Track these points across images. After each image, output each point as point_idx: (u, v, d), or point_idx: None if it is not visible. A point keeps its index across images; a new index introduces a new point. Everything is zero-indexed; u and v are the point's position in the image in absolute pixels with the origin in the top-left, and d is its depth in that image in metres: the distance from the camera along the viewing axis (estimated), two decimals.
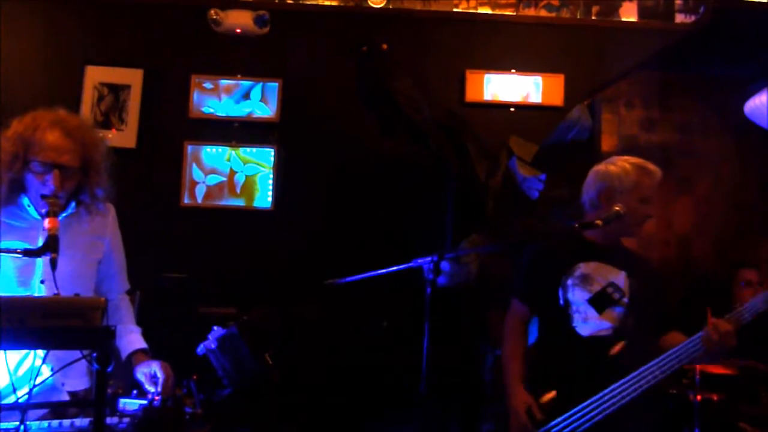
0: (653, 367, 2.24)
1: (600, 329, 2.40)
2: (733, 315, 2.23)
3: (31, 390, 1.71)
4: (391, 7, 4.39)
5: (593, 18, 4.43)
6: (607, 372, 2.30)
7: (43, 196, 1.98)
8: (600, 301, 2.41)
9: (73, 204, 2.12)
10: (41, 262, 2.04)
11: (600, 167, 2.55)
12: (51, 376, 1.96)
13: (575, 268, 2.45)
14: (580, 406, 2.27)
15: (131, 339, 2.26)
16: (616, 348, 2.35)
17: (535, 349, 2.59)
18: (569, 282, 2.44)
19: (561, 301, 2.44)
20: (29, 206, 2.07)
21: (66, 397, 2.09)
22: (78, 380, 2.12)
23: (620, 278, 2.44)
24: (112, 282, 2.31)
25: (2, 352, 1.82)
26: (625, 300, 2.41)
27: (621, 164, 2.50)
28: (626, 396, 2.23)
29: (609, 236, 2.49)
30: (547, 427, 2.31)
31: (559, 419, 2.30)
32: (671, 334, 2.45)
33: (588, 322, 2.41)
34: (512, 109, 4.32)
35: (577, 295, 2.43)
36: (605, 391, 2.25)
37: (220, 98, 4.26)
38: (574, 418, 2.27)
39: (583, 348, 2.39)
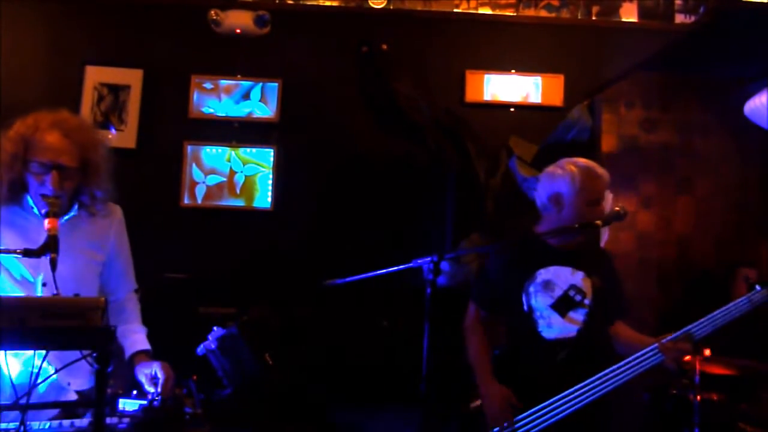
0: (609, 373, 2.31)
1: (564, 333, 2.45)
2: (684, 334, 2.31)
3: (30, 390, 1.71)
4: (391, 7, 4.39)
5: (593, 18, 4.43)
6: (571, 374, 2.35)
7: (44, 196, 1.99)
8: (563, 306, 2.46)
9: (75, 206, 2.12)
10: (45, 265, 2.04)
11: (549, 170, 2.57)
12: (51, 376, 1.96)
13: (536, 274, 2.49)
14: (543, 405, 2.33)
15: (135, 339, 2.26)
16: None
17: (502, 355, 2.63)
18: (531, 288, 2.49)
19: (525, 307, 2.48)
20: (33, 207, 2.08)
21: (73, 397, 2.09)
22: (84, 379, 2.12)
23: (579, 279, 2.48)
24: (118, 282, 2.31)
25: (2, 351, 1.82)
26: (587, 301, 2.46)
27: (568, 168, 2.51)
28: (586, 398, 2.30)
29: (567, 240, 2.51)
30: (512, 423, 2.36)
31: (524, 415, 2.35)
32: (618, 325, 2.54)
33: (552, 327, 2.46)
34: (512, 110, 4.31)
35: (540, 301, 2.47)
36: (567, 392, 2.31)
37: (220, 98, 4.26)
38: (536, 416, 2.33)
39: (547, 351, 2.44)
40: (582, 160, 2.55)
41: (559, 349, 2.43)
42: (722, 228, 3.97)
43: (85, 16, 4.30)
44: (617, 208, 2.40)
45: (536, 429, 2.33)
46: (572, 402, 2.30)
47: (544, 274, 2.49)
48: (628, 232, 3.85)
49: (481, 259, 3.67)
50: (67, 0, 4.32)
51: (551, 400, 2.32)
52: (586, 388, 2.31)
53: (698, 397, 2.97)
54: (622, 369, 2.32)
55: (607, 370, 2.31)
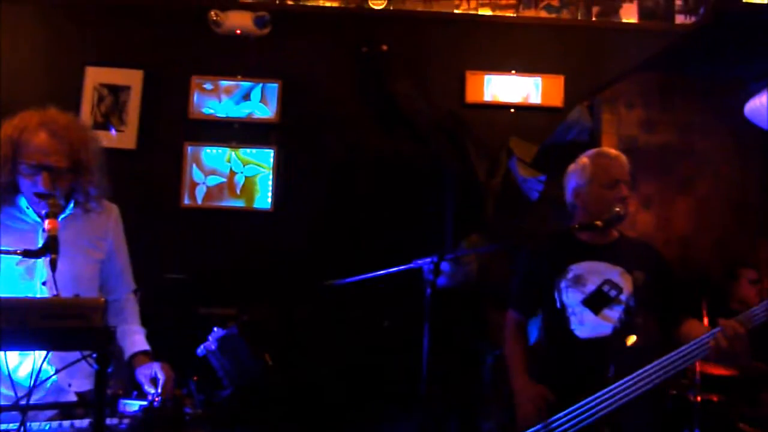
0: (656, 367, 2.17)
1: (599, 331, 2.35)
2: (745, 316, 2.12)
3: (31, 391, 1.71)
4: (391, 8, 4.39)
5: (593, 19, 4.43)
6: (606, 376, 2.25)
7: (41, 195, 1.98)
8: (595, 302, 2.37)
9: (71, 204, 2.12)
10: (43, 264, 2.04)
11: (567, 170, 2.58)
12: (51, 377, 1.96)
13: (567, 269, 2.43)
14: (581, 404, 2.23)
15: (134, 340, 2.26)
16: (630, 340, 2.29)
17: (535, 350, 2.58)
18: (563, 284, 2.42)
19: (558, 304, 2.42)
20: (28, 208, 2.07)
21: (73, 398, 2.09)
22: (84, 380, 2.11)
23: (616, 274, 2.40)
24: (117, 282, 2.30)
25: (2, 353, 1.82)
26: (623, 297, 2.36)
27: (581, 161, 2.52)
28: (626, 396, 2.17)
29: (599, 232, 2.46)
30: (547, 423, 2.28)
31: (560, 415, 2.26)
32: (689, 323, 2.37)
33: (585, 324, 2.37)
34: (512, 110, 4.31)
35: (571, 297, 2.40)
36: (607, 389, 2.20)
37: (220, 99, 4.26)
38: (573, 414, 2.24)
39: (581, 351, 2.36)
40: (594, 150, 2.56)
41: (593, 349, 2.32)
42: (722, 228, 3.97)
43: (86, 16, 4.30)
44: (617, 209, 2.39)
45: (573, 429, 2.23)
46: (615, 398, 2.18)
47: (575, 269, 2.42)
48: (628, 232, 3.85)
49: (481, 259, 3.68)
50: (68, 1, 4.32)
51: (588, 400, 2.21)
52: (632, 383, 2.17)
53: (698, 398, 2.98)
54: (673, 359, 2.15)
55: (655, 362, 2.16)
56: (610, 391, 2.20)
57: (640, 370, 2.18)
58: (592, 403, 2.22)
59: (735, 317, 2.13)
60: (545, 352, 2.54)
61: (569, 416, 2.26)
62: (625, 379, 2.19)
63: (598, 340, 2.35)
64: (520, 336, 2.57)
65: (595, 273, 2.41)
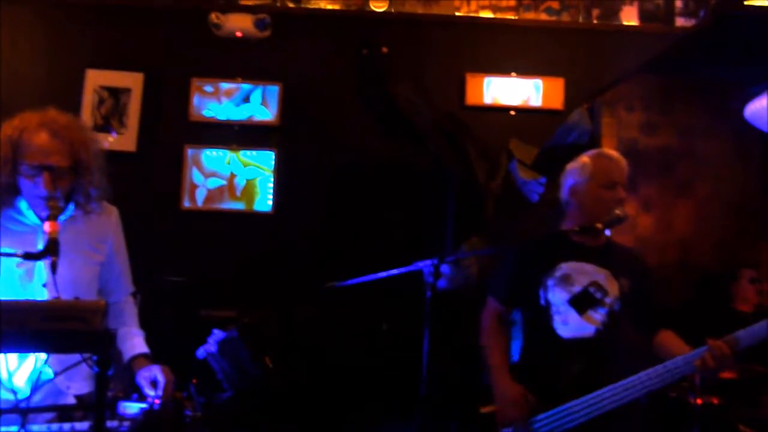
0: (642, 378, 2.19)
1: (581, 332, 2.37)
2: (734, 338, 2.14)
3: (32, 393, 1.71)
4: (392, 10, 4.39)
5: (594, 21, 4.43)
6: (586, 376, 2.29)
7: (42, 198, 1.98)
8: (581, 302, 2.38)
9: (72, 206, 2.12)
10: (43, 266, 2.04)
11: (566, 168, 2.58)
12: (51, 379, 1.96)
13: (556, 268, 2.43)
14: (564, 406, 2.25)
15: (134, 343, 2.25)
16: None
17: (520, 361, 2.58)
18: (550, 282, 2.43)
19: (542, 302, 2.43)
20: (28, 210, 2.07)
21: (72, 401, 2.09)
22: (83, 383, 2.11)
23: (602, 276, 2.41)
24: (116, 284, 2.30)
25: (2, 355, 1.82)
26: (608, 300, 2.38)
27: (581, 159, 2.53)
28: (610, 404, 2.20)
29: (593, 234, 2.47)
30: (531, 422, 2.30)
31: (542, 416, 2.29)
32: (663, 333, 2.42)
33: (568, 324, 2.38)
34: (512, 113, 4.32)
35: (557, 296, 2.41)
36: (592, 394, 2.23)
37: (220, 101, 4.26)
38: (556, 417, 2.27)
39: (563, 351, 2.37)
40: (595, 150, 2.58)
41: (575, 350, 2.35)
42: (722, 231, 3.97)
43: (86, 19, 4.31)
44: (617, 212, 2.39)
45: None
46: (597, 406, 2.21)
47: (564, 268, 2.42)
48: (628, 235, 3.84)
49: (481, 262, 3.67)
50: (68, 3, 4.32)
51: (571, 403, 2.24)
52: (616, 391, 2.20)
53: (698, 401, 2.97)
54: (660, 373, 2.18)
55: (641, 373, 2.19)
56: (595, 397, 2.22)
57: (625, 380, 2.20)
58: (576, 408, 2.25)
59: (722, 338, 2.15)
60: (525, 351, 2.54)
61: (552, 419, 2.28)
62: (609, 387, 2.21)
63: (580, 340, 2.37)
64: (501, 328, 2.56)
65: (582, 274, 2.42)
